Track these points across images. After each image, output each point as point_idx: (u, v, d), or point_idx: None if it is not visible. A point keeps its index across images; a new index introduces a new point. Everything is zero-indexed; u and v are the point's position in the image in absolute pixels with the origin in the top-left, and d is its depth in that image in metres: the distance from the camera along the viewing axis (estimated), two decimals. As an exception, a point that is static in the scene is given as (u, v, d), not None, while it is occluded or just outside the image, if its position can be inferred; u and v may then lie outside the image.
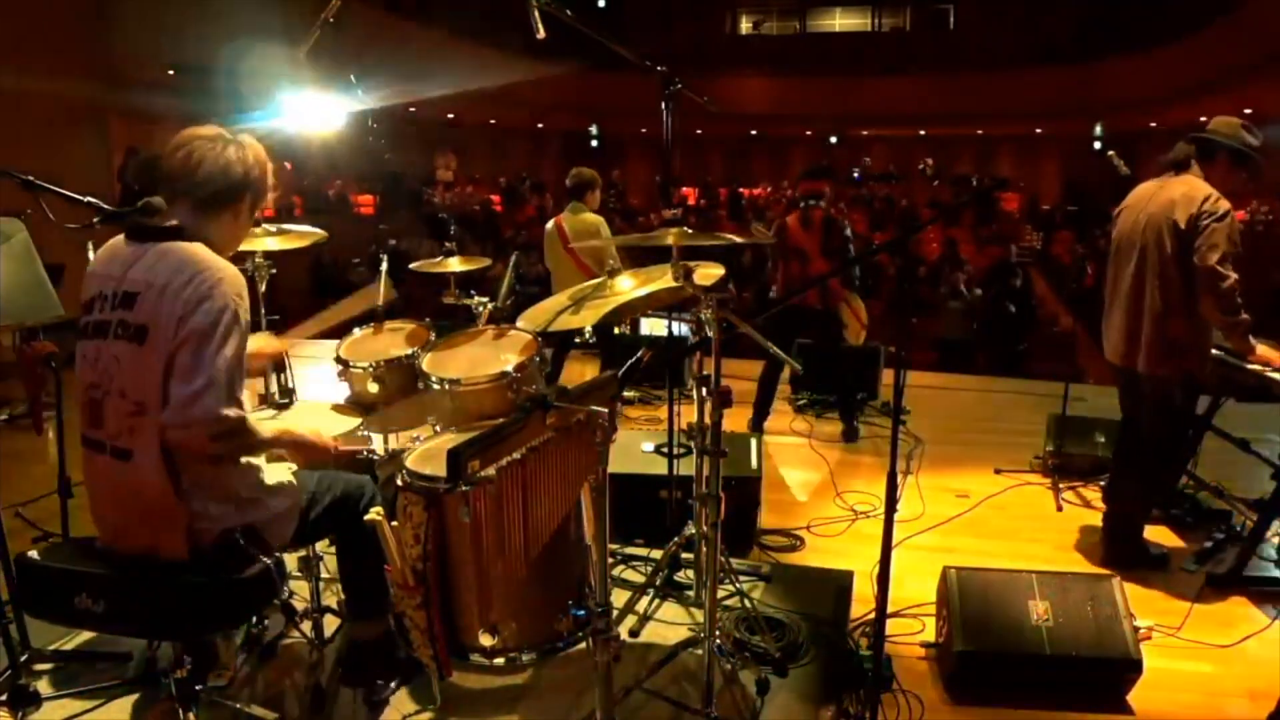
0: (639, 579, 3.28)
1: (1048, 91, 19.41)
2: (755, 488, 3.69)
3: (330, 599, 2.85)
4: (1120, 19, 18.06)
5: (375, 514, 2.12)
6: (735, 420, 5.01)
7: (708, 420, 2.62)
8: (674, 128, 3.18)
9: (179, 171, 2.03)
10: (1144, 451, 3.51)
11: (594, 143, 23.72)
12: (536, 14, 2.87)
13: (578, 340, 5.79)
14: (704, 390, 2.64)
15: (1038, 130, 22.77)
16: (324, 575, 2.78)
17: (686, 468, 3.27)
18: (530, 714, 2.54)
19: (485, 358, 2.86)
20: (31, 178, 2.45)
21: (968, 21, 22.76)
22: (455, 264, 3.45)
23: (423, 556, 2.15)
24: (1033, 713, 2.63)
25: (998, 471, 4.61)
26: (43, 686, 2.54)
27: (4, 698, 2.42)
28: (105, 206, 2.43)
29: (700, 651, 2.53)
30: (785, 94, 22.17)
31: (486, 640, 2.28)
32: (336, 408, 2.86)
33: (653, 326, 6.78)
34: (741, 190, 21.93)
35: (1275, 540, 3.53)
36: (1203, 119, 3.54)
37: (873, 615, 2.61)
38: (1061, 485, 4.34)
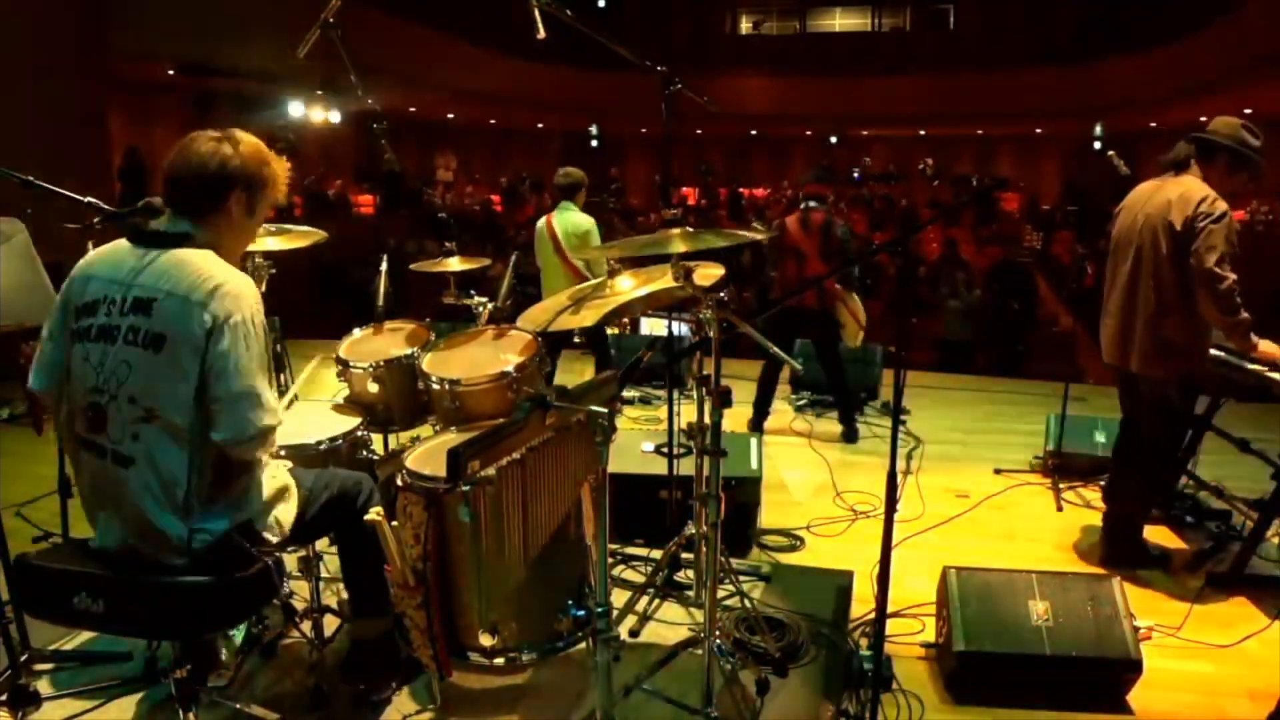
0: (639, 579, 3.28)
1: (1048, 91, 19.38)
2: (755, 488, 3.69)
3: (330, 599, 2.85)
4: (1120, 19, 18.04)
5: (375, 514, 2.13)
6: (735, 420, 5.01)
7: (708, 420, 2.62)
8: (674, 128, 3.18)
9: (169, 174, 2.02)
10: (1143, 451, 3.51)
11: (594, 143, 23.71)
12: (536, 14, 2.87)
13: (576, 340, 5.79)
14: (704, 390, 2.64)
15: (1038, 130, 22.76)
16: (324, 575, 2.77)
17: (686, 468, 3.27)
18: (530, 714, 2.54)
19: (485, 358, 2.86)
20: (31, 178, 2.45)
21: (968, 21, 22.74)
22: (455, 264, 3.45)
23: (423, 556, 2.15)
24: (1033, 713, 2.63)
25: (998, 471, 4.61)
26: (43, 686, 2.54)
27: (4, 698, 2.42)
28: (105, 206, 2.43)
29: (700, 651, 2.53)
30: (785, 94, 22.14)
31: (486, 640, 2.28)
32: (336, 408, 2.86)
33: (653, 326, 6.79)
34: (741, 190, 21.92)
35: (1275, 540, 3.53)
36: (1203, 119, 3.54)
37: (873, 615, 2.61)
38: (1061, 485, 4.34)
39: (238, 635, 2.66)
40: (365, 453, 2.74)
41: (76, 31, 7.34)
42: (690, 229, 2.59)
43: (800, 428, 5.38)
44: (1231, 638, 2.99)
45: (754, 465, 3.70)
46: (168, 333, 1.89)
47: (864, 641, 2.87)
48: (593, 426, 1.82)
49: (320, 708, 2.48)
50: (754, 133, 24.41)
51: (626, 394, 5.66)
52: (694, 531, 3.09)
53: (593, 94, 20.45)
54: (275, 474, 2.15)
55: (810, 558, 3.66)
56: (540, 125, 24.02)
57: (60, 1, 7.15)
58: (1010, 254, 11.05)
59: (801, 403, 5.79)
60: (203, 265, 1.94)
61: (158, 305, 1.90)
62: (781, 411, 5.56)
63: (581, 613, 2.33)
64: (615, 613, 2.78)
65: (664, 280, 2.67)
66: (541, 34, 2.89)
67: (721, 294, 2.47)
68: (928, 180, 22.87)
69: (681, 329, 4.86)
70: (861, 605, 3.18)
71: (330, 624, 2.78)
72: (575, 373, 5.94)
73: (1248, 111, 12.99)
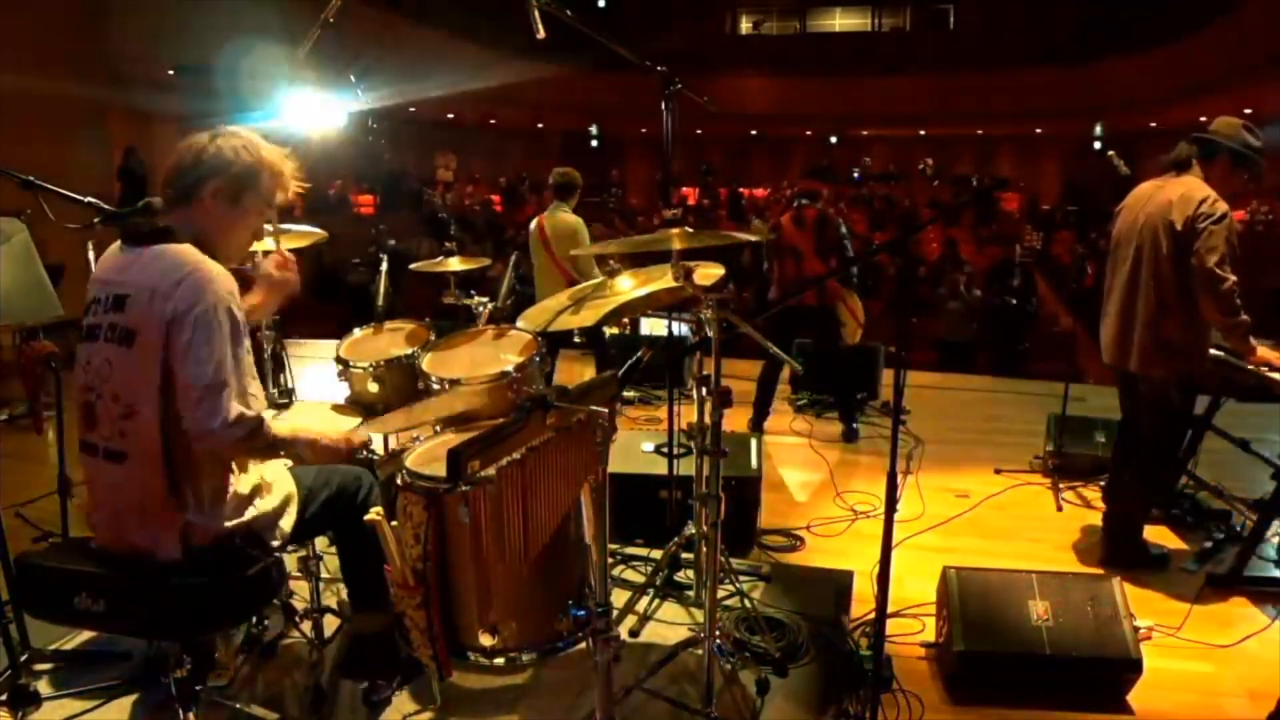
0: (639, 579, 3.28)
1: (1048, 91, 19.41)
2: (755, 488, 3.69)
3: (330, 599, 2.85)
4: (1120, 19, 18.06)
5: (375, 514, 2.12)
6: (735, 420, 5.01)
7: (708, 420, 2.62)
8: (674, 128, 3.18)
9: (160, 173, 2.03)
10: (1143, 451, 3.51)
11: (594, 143, 23.71)
12: (536, 14, 2.87)
13: (576, 340, 5.79)
14: (704, 390, 2.64)
15: (1038, 130, 22.76)
16: (324, 575, 2.78)
17: (686, 468, 3.27)
18: (530, 714, 2.54)
19: (485, 358, 2.86)
20: (31, 178, 2.45)
21: (968, 21, 22.77)
22: (455, 264, 3.45)
23: (423, 556, 2.15)
24: (1033, 713, 2.63)
25: (998, 471, 4.61)
26: (43, 686, 2.54)
27: (4, 698, 2.42)
28: (105, 206, 2.43)
29: (700, 651, 2.53)
30: (785, 94, 22.17)
31: (486, 640, 2.27)
32: (336, 408, 2.86)
33: (653, 326, 6.78)
34: (741, 190, 21.92)
35: (1275, 540, 3.53)
36: (1203, 119, 3.54)
37: (873, 615, 2.61)
38: (1061, 485, 4.34)
39: (238, 635, 2.66)
40: (365, 452, 2.74)
41: (77, 31, 7.34)
42: (689, 229, 2.60)
43: (800, 428, 5.38)
44: (1231, 638, 2.99)
45: (754, 465, 3.70)
46: (136, 328, 1.89)
47: (864, 641, 2.86)
48: (593, 426, 1.82)
49: (320, 708, 2.48)
50: (754, 133, 24.41)
51: (626, 394, 5.66)
52: (694, 531, 3.09)
53: (593, 94, 20.48)
54: (277, 479, 2.15)
55: (810, 558, 3.66)
56: (540, 125, 24.01)
57: (60, 1, 7.15)
58: (1010, 254, 11.04)
59: (801, 403, 5.79)
60: (175, 257, 1.92)
61: (129, 301, 1.91)
62: (781, 411, 5.56)
63: (581, 613, 2.32)
64: (615, 613, 2.77)
65: (664, 280, 2.67)
66: (541, 34, 2.89)
67: (721, 293, 2.47)
68: (928, 180, 22.87)
69: (681, 329, 4.85)
70: (861, 605, 3.18)
71: (330, 624, 2.78)
72: (575, 373, 5.94)
73: (1248, 111, 12.99)
